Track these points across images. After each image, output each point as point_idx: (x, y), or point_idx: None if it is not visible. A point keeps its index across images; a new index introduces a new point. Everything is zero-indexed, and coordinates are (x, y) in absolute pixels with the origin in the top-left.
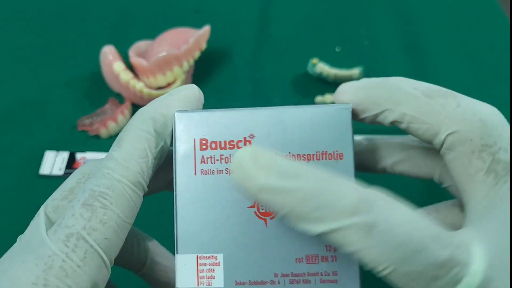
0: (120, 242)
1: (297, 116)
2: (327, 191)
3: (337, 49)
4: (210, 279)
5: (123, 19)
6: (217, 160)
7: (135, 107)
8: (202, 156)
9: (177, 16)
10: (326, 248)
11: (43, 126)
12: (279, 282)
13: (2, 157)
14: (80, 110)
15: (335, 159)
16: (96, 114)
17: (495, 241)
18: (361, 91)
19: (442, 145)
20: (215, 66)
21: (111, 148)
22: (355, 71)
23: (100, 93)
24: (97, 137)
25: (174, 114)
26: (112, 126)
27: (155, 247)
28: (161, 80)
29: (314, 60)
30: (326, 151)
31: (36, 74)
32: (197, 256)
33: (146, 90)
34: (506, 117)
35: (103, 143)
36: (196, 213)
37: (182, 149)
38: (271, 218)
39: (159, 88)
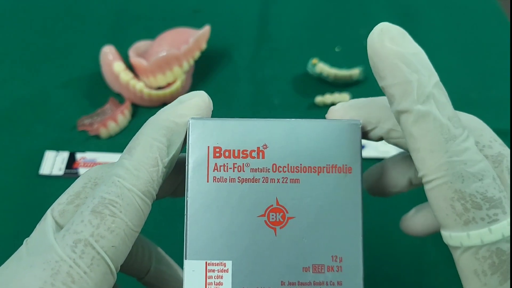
0: (127, 250)
1: (310, 129)
2: None
3: (337, 49)
4: (218, 286)
5: (123, 19)
6: (230, 168)
7: (135, 107)
8: (215, 163)
9: (177, 16)
10: (332, 258)
11: (43, 126)
12: None
13: (2, 157)
14: (80, 110)
15: (344, 172)
16: (96, 114)
17: None
18: (351, 111)
19: None
20: (215, 66)
21: (122, 156)
22: (355, 71)
23: (100, 93)
24: (97, 137)
25: (188, 121)
26: (112, 126)
27: (159, 255)
28: (161, 80)
29: (314, 60)
30: (336, 165)
31: (36, 74)
32: (206, 262)
33: (146, 90)
34: (506, 117)
35: (103, 143)
36: (206, 220)
37: (196, 156)
38: (280, 228)
39: (159, 88)
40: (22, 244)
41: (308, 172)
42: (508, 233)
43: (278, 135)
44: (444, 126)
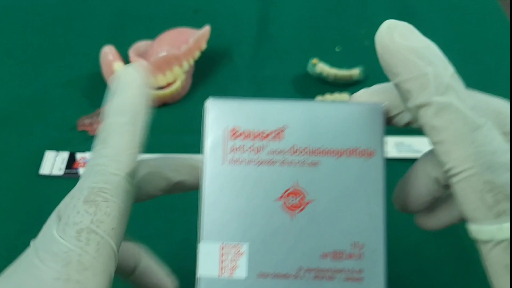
0: (123, 230)
1: (331, 111)
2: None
3: (337, 49)
4: (233, 269)
5: (123, 19)
6: (247, 150)
7: None
8: (233, 145)
9: (177, 16)
10: (353, 244)
11: (43, 126)
12: (303, 277)
13: (2, 157)
14: (80, 110)
15: (365, 156)
16: (96, 114)
17: None
18: (375, 96)
19: None
20: (215, 66)
21: (97, 147)
22: (355, 71)
23: (100, 93)
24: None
25: (206, 102)
26: None
27: (144, 253)
28: (161, 80)
29: (314, 60)
30: (357, 148)
31: (36, 74)
32: (221, 244)
33: None
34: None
35: None
36: (222, 202)
37: (213, 137)
38: (298, 211)
39: (159, 88)
40: (23, 244)
41: (328, 155)
42: None
43: (298, 117)
44: (468, 116)
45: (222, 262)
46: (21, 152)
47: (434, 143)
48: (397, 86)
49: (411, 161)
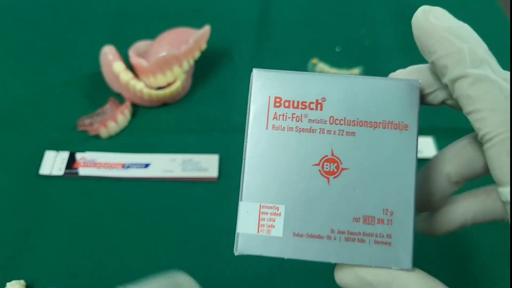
0: None
1: (368, 85)
2: None
3: (337, 49)
4: (270, 228)
5: (123, 19)
6: (289, 118)
7: (135, 107)
8: (275, 112)
9: (177, 16)
10: (384, 211)
11: (43, 126)
12: (335, 238)
13: (2, 157)
14: (80, 110)
15: (400, 129)
16: (96, 114)
17: None
18: (411, 75)
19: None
20: (215, 66)
21: None
22: (355, 71)
23: (100, 93)
24: (97, 137)
25: (252, 71)
26: (112, 126)
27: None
28: (161, 80)
29: (314, 60)
30: (392, 121)
31: (36, 74)
32: (260, 205)
33: (146, 90)
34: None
35: (103, 143)
36: (263, 165)
37: (257, 104)
38: (334, 177)
39: (159, 88)
40: (23, 243)
41: (364, 126)
42: None
43: (337, 90)
44: (502, 86)
45: (260, 221)
46: (21, 152)
47: (469, 112)
48: (433, 63)
49: None
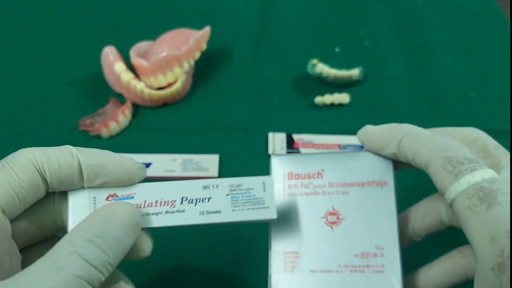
0: (12, 199)
1: (355, 158)
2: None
3: (336, 50)
4: (293, 267)
5: (124, 20)
6: (299, 186)
7: (136, 107)
8: (289, 183)
9: (177, 17)
10: (376, 247)
11: (45, 126)
12: (341, 271)
13: (3, 157)
14: (81, 110)
15: (381, 186)
16: (97, 114)
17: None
18: (374, 137)
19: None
20: (215, 67)
21: None
22: (355, 71)
23: (101, 93)
24: (98, 137)
25: (272, 158)
26: (113, 126)
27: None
28: (161, 80)
29: (314, 61)
30: (374, 180)
31: (38, 74)
32: (284, 251)
33: (147, 90)
34: (504, 117)
35: (104, 143)
36: (284, 221)
37: (277, 178)
38: (336, 226)
39: (160, 88)
40: None
41: (354, 186)
42: (487, 176)
43: (332, 163)
44: (425, 132)
45: (285, 263)
46: None
47: (414, 157)
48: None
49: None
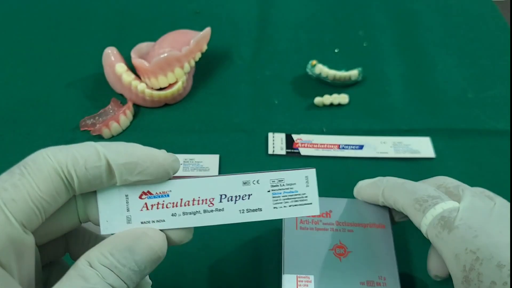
0: (32, 212)
1: (358, 204)
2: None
3: (336, 51)
4: None
5: (125, 21)
6: (310, 222)
7: (137, 108)
8: (301, 220)
9: (178, 18)
10: (379, 277)
11: (46, 126)
12: None
13: (5, 158)
14: (83, 110)
15: (380, 227)
16: (98, 114)
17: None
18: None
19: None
20: (216, 67)
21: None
22: (354, 72)
23: (102, 93)
24: (99, 137)
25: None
26: (114, 126)
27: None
28: (162, 81)
29: (313, 61)
30: (375, 223)
31: (39, 75)
32: (297, 276)
33: (147, 91)
34: (502, 117)
35: None
36: (296, 251)
37: (289, 219)
38: (343, 257)
39: (161, 89)
40: None
41: (358, 226)
42: (447, 206)
43: (339, 206)
44: (399, 181)
45: (298, 286)
46: (23, 153)
47: (394, 204)
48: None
49: (409, 161)
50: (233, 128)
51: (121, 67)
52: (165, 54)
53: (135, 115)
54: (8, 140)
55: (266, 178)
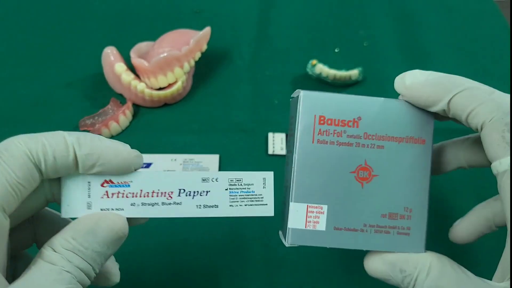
0: (11, 196)
1: (396, 107)
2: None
3: (336, 50)
4: (315, 223)
5: (124, 20)
6: (331, 133)
7: (137, 108)
8: (320, 129)
9: (178, 18)
10: (405, 209)
11: (45, 126)
12: (367, 231)
13: None
14: (82, 110)
15: (419, 143)
16: (97, 114)
17: None
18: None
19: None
20: (216, 67)
21: None
22: (354, 71)
23: (101, 93)
24: None
25: (300, 93)
26: (113, 126)
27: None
28: (162, 80)
29: (314, 61)
30: (413, 136)
31: (39, 75)
32: (307, 205)
33: (147, 91)
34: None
35: None
36: (309, 173)
37: (304, 122)
38: (367, 183)
39: (160, 88)
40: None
41: (392, 141)
42: None
43: (371, 110)
44: (482, 88)
45: (307, 218)
46: None
47: (468, 116)
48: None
49: None
50: (233, 128)
51: (120, 67)
52: (165, 54)
53: (134, 115)
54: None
55: (224, 176)
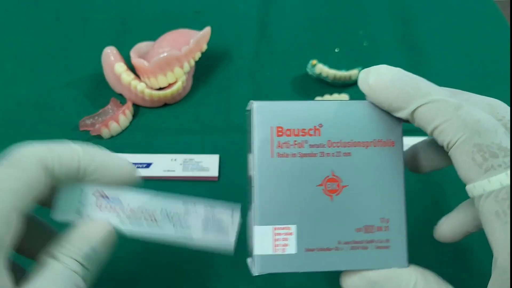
0: (26, 200)
1: (359, 109)
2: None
3: (336, 50)
4: (284, 247)
5: (124, 20)
6: (291, 145)
7: (137, 108)
8: (279, 141)
9: (178, 18)
10: (381, 219)
11: (45, 126)
12: (342, 249)
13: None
14: (82, 110)
15: (388, 146)
16: (97, 114)
17: None
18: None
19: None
20: (216, 67)
21: None
22: (354, 71)
23: (101, 93)
24: (98, 137)
25: (252, 105)
26: (113, 126)
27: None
28: (162, 80)
29: (314, 61)
30: (381, 139)
31: (38, 75)
32: (274, 227)
33: (147, 91)
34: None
35: (105, 144)
36: (272, 191)
37: (261, 135)
38: (336, 195)
39: (160, 88)
40: None
41: (358, 146)
42: None
43: (332, 115)
44: (449, 100)
45: (275, 241)
46: None
47: (433, 131)
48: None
49: None
50: (233, 128)
51: (120, 67)
52: (165, 54)
53: (134, 115)
54: (7, 140)
55: (201, 204)
